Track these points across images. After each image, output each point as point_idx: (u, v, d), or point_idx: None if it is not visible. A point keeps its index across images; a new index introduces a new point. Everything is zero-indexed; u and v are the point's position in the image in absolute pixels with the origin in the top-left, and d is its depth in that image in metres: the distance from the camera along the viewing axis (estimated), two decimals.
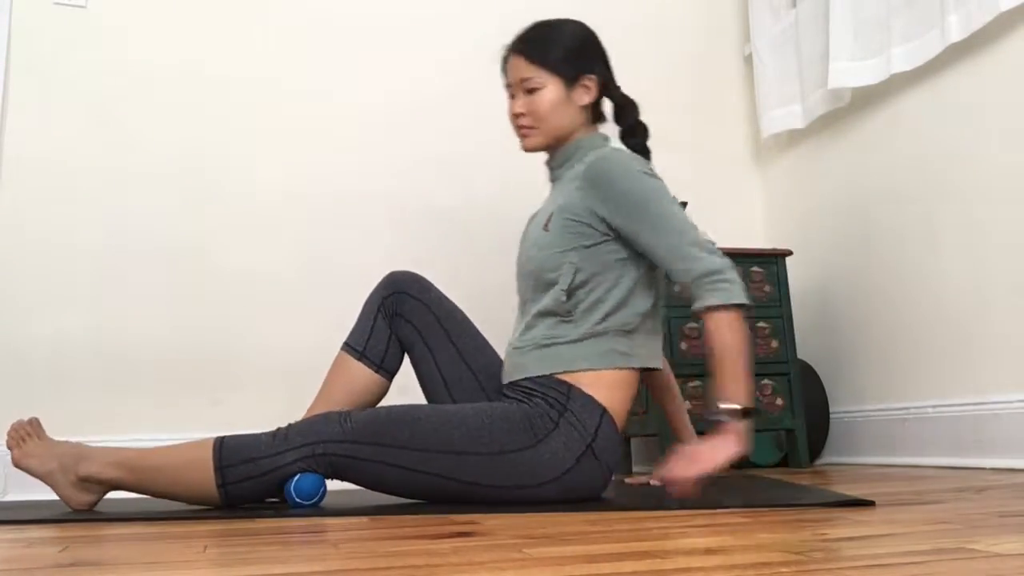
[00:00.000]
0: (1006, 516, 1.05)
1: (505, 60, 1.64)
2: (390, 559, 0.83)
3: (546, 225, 1.55)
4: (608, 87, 1.64)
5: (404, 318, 1.66)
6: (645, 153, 1.64)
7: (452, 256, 2.52)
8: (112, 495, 1.56)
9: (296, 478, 1.43)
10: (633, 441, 2.60)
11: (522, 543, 0.91)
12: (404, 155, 2.66)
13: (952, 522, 0.99)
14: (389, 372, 1.67)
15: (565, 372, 1.48)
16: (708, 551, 0.81)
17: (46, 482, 1.53)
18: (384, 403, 1.62)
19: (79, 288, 2.36)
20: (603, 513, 1.25)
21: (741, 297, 1.42)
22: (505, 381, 1.57)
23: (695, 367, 2.32)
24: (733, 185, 3.03)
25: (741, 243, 2.69)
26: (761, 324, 2.41)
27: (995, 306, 2.06)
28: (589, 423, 1.44)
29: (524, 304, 1.62)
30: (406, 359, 1.69)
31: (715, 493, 1.42)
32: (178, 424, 2.25)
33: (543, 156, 1.67)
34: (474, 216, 2.63)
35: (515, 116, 1.62)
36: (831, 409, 2.61)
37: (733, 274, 1.44)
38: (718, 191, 2.95)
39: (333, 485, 1.50)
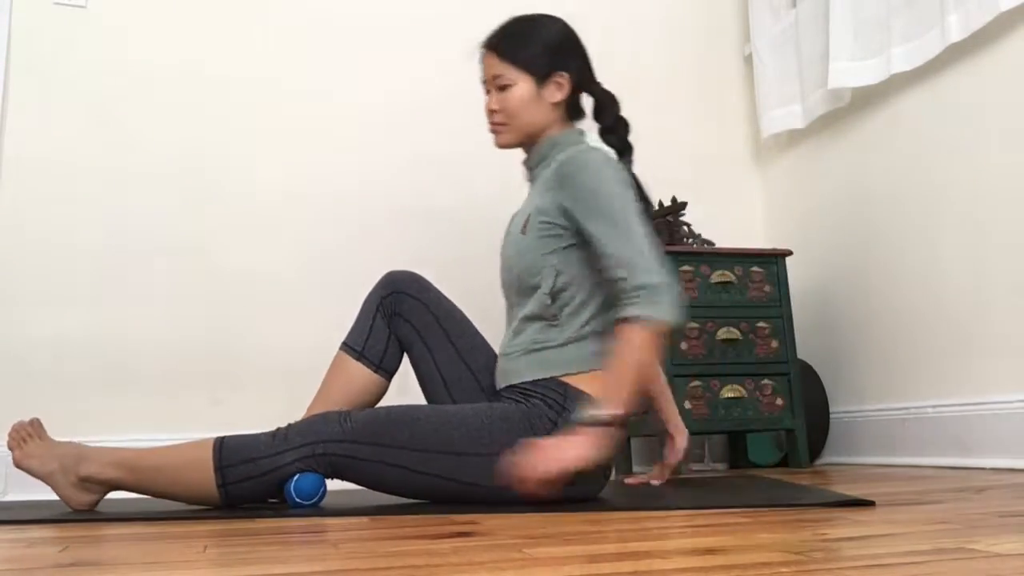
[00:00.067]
0: (1006, 516, 1.05)
1: (482, 57, 1.63)
2: (390, 559, 0.83)
3: (524, 228, 1.54)
4: (583, 84, 1.62)
5: (403, 317, 1.65)
6: (626, 149, 1.62)
7: (451, 256, 2.51)
8: (112, 495, 1.56)
9: (296, 478, 1.43)
10: (633, 441, 2.60)
11: (522, 543, 0.91)
12: (404, 155, 2.66)
13: (952, 522, 0.99)
14: (388, 372, 1.67)
15: (558, 375, 1.47)
16: (708, 551, 0.81)
17: (47, 483, 1.53)
18: (383, 403, 1.62)
19: (79, 288, 2.36)
20: (603, 513, 1.25)
21: (665, 315, 1.37)
22: (499, 386, 1.56)
23: (695, 367, 2.32)
24: (733, 185, 3.03)
25: (741, 243, 2.69)
26: (761, 324, 2.41)
27: (995, 306, 2.06)
28: None
29: (511, 308, 1.62)
30: (405, 359, 1.69)
31: (716, 493, 1.42)
32: (178, 424, 2.25)
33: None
34: (473, 216, 2.62)
35: (488, 113, 1.61)
36: (831, 409, 2.61)
37: (668, 294, 1.38)
38: (718, 191, 2.95)
39: (333, 485, 1.50)
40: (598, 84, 1.65)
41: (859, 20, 2.44)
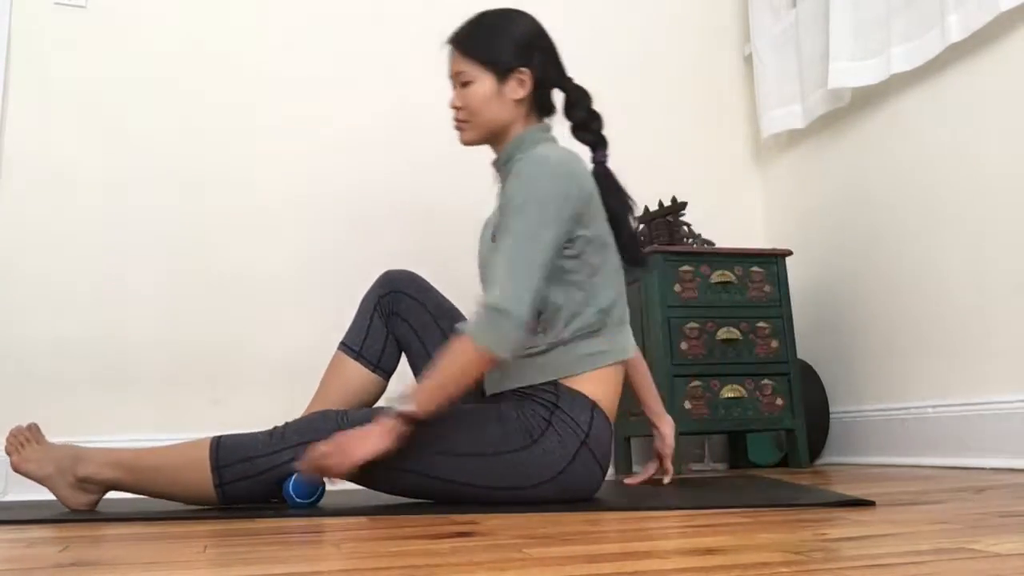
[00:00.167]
0: (1006, 516, 1.05)
1: (449, 53, 1.60)
2: (390, 559, 0.83)
3: (494, 237, 1.50)
4: (550, 80, 1.58)
5: (401, 317, 1.65)
6: (600, 143, 1.58)
7: (451, 256, 2.51)
8: (111, 495, 1.56)
9: (294, 477, 1.43)
10: (633, 441, 2.60)
11: (522, 543, 0.91)
12: (404, 155, 2.66)
13: (952, 522, 0.99)
14: (386, 372, 1.66)
15: (548, 379, 1.46)
16: (708, 551, 0.81)
17: (45, 485, 1.53)
18: (381, 403, 1.62)
19: (79, 288, 2.36)
20: (603, 513, 1.24)
21: (492, 344, 1.34)
22: (488, 393, 1.55)
23: (695, 367, 2.32)
24: (733, 185, 3.03)
25: (741, 243, 2.69)
26: (761, 324, 2.40)
27: (995, 306, 2.06)
28: (581, 419, 1.43)
29: None
30: (404, 358, 1.68)
31: (716, 493, 1.42)
32: (178, 424, 2.25)
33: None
34: (472, 216, 2.62)
35: (453, 109, 1.59)
36: (831, 409, 2.61)
37: (510, 324, 1.33)
38: (718, 191, 2.95)
39: (332, 485, 1.50)
40: (568, 79, 1.60)
41: (859, 20, 2.44)
